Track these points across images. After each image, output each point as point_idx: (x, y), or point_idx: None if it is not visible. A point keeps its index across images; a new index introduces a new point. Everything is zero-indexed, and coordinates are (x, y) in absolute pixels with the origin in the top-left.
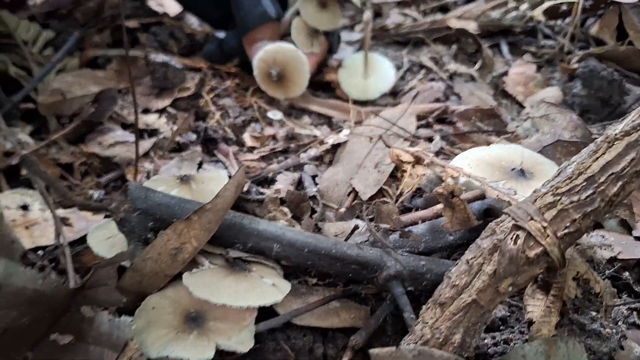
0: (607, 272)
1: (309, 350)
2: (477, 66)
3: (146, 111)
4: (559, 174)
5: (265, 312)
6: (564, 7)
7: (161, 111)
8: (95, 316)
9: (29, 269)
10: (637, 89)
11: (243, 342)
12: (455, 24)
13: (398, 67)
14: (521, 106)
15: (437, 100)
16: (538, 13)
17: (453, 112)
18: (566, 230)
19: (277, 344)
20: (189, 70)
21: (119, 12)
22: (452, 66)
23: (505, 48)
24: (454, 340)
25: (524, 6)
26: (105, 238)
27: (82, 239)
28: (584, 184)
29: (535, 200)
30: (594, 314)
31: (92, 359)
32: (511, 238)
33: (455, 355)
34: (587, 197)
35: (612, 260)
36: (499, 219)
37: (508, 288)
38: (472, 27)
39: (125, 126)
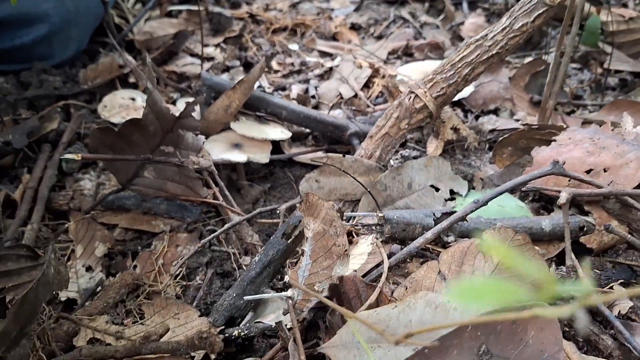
0: (488, 137)
1: (302, 176)
2: (440, 17)
3: (206, 45)
4: (440, 64)
5: (277, 153)
6: None
7: (216, 45)
8: (185, 134)
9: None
10: (554, 32)
11: (263, 157)
12: None
13: (385, 19)
14: None
15: (408, 40)
16: None
17: (412, 46)
18: (437, 94)
19: (284, 173)
20: (235, 19)
21: None
22: (424, 18)
23: (465, 5)
24: (376, 155)
25: None
26: None
27: None
28: (449, 68)
29: (424, 78)
30: (474, 158)
31: (183, 156)
32: (407, 98)
33: (375, 163)
34: (450, 75)
35: (493, 130)
36: (406, 91)
37: (405, 125)
38: None
39: (192, 55)
